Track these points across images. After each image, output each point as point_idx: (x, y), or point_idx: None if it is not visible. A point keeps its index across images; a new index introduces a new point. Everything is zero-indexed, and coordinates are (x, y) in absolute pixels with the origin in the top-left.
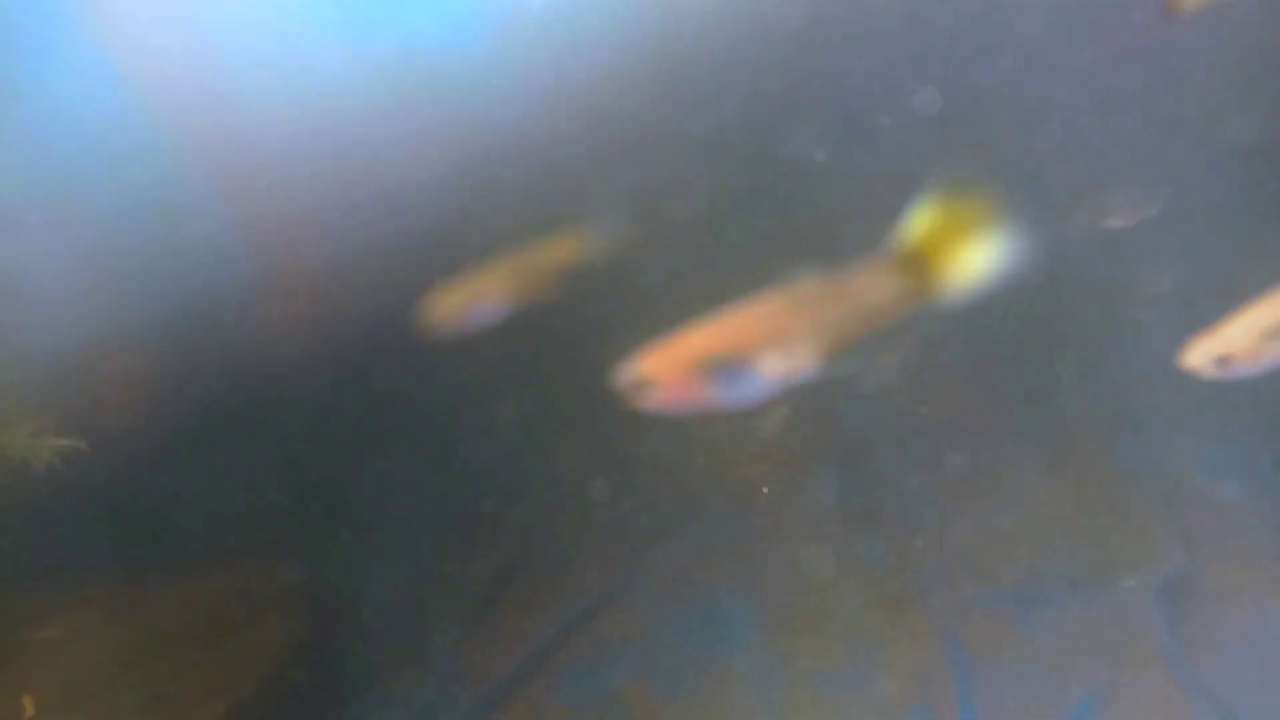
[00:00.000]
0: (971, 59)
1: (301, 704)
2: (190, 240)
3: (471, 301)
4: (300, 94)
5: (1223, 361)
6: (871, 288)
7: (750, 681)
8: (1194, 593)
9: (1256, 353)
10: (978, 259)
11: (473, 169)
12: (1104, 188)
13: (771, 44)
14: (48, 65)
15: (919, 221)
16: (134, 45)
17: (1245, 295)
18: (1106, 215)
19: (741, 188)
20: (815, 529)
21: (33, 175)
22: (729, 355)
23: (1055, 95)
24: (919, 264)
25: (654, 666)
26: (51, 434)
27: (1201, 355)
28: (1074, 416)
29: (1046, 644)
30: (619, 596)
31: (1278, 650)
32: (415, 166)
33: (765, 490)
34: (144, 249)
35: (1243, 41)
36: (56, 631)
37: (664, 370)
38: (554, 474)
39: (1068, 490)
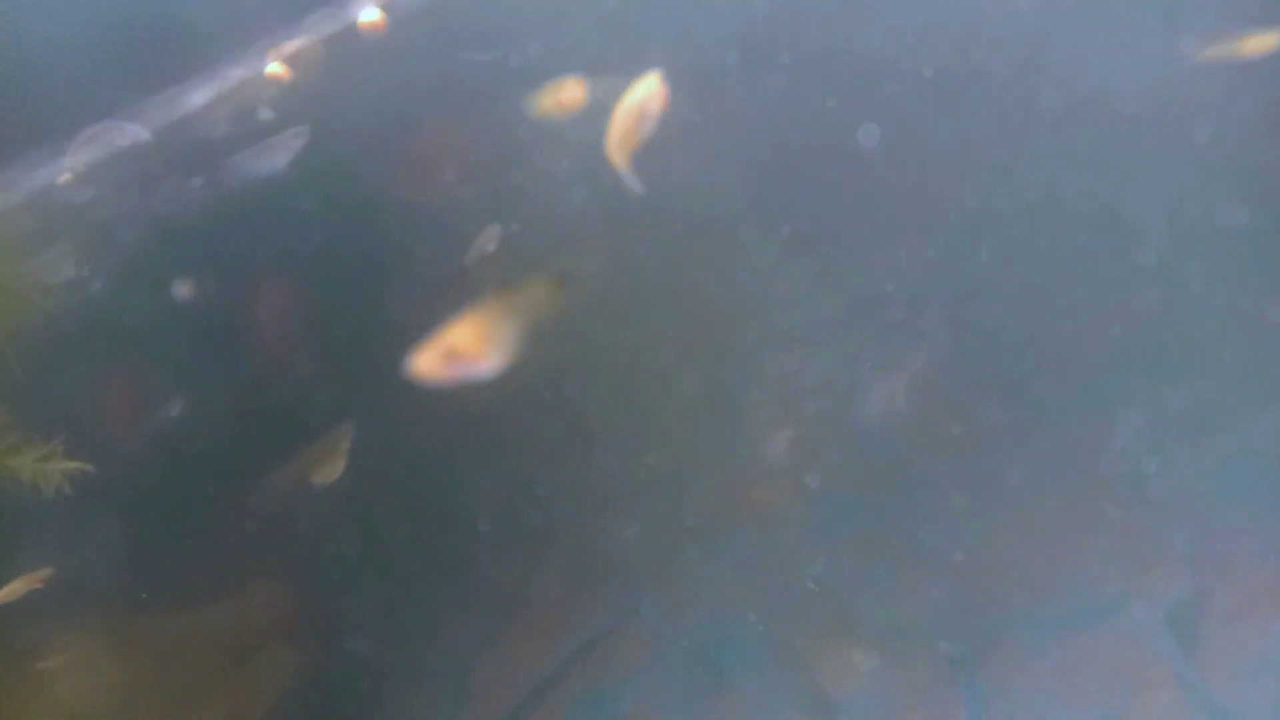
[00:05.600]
0: None
1: None
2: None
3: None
4: None
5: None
6: None
7: (759, 709)
8: (1205, 616)
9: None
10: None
11: None
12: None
13: None
14: None
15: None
16: None
17: (1249, 314)
18: None
19: None
20: (825, 554)
21: None
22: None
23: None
24: None
25: (662, 694)
26: (60, 457)
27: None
28: (1083, 439)
29: (1058, 669)
30: (627, 623)
31: None
32: None
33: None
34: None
35: None
36: (60, 662)
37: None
38: (561, 498)
39: (1077, 514)
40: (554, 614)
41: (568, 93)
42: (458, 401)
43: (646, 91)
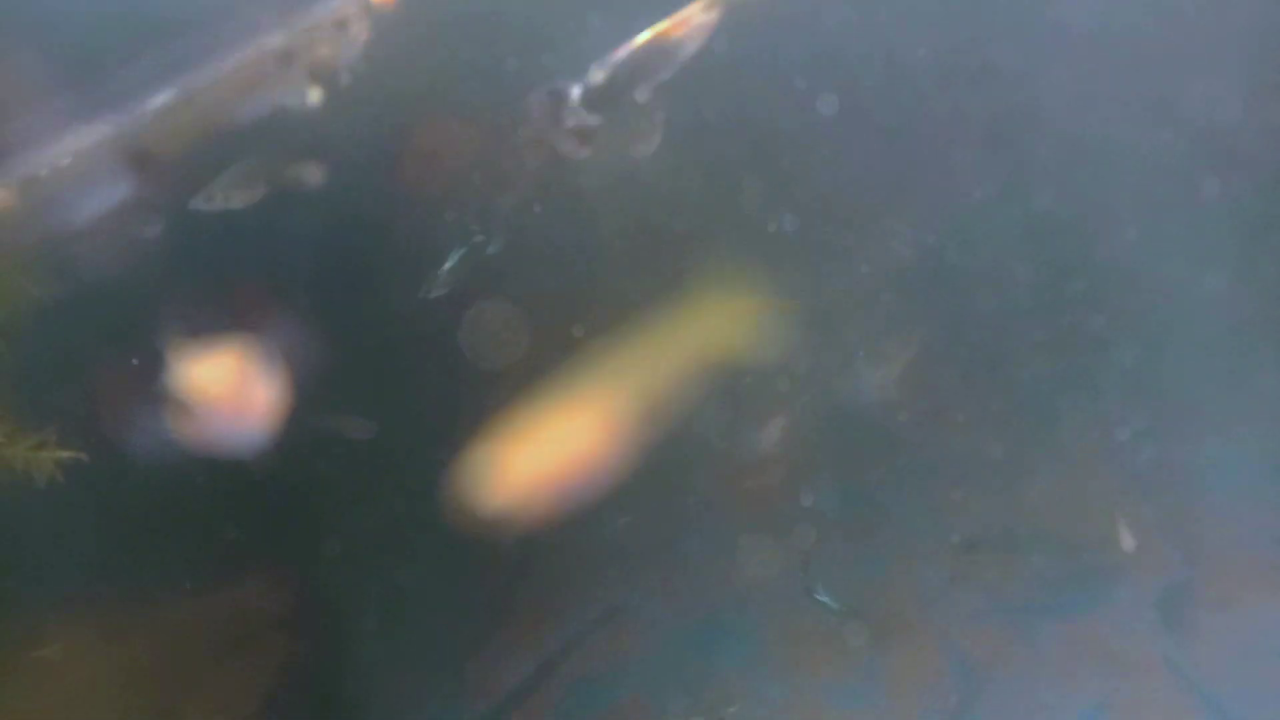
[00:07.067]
0: None
1: None
2: None
3: None
4: None
5: None
6: None
7: (753, 694)
8: (1195, 601)
9: None
10: None
11: None
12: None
13: None
14: None
15: None
16: None
17: (1240, 302)
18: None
19: None
20: (817, 542)
21: None
22: None
23: None
24: None
25: (657, 680)
26: (54, 446)
27: None
28: (1076, 427)
29: (1048, 654)
30: (621, 611)
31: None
32: None
33: None
34: None
35: None
36: (55, 651)
37: None
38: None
39: (1069, 500)
40: (550, 602)
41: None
42: (453, 391)
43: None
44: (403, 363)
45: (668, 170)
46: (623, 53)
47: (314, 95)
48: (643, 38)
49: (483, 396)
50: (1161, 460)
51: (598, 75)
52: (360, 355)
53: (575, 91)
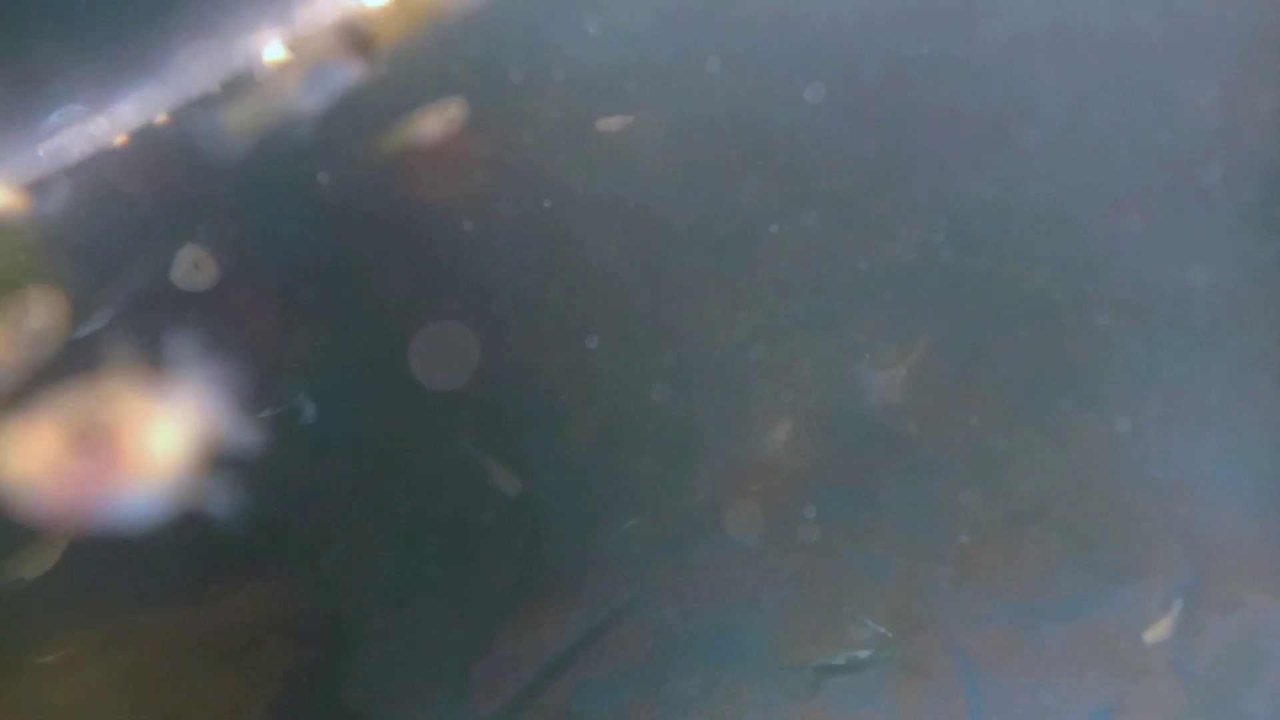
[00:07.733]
0: None
1: None
2: None
3: None
4: None
5: None
6: None
7: (759, 699)
8: (1202, 603)
9: None
10: None
11: None
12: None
13: None
14: None
15: None
16: None
17: (1251, 297)
18: None
19: None
20: (823, 546)
21: None
22: None
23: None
24: None
25: (664, 683)
26: None
27: None
28: (1080, 430)
29: (1055, 656)
30: (628, 614)
31: None
32: None
33: None
34: None
35: None
36: (58, 657)
37: None
38: (562, 492)
39: (1074, 503)
40: (556, 606)
41: None
42: (458, 396)
43: None
44: (402, 362)
45: (668, 170)
46: None
47: None
48: None
49: (485, 395)
50: (1166, 460)
51: None
52: (360, 354)
53: None
